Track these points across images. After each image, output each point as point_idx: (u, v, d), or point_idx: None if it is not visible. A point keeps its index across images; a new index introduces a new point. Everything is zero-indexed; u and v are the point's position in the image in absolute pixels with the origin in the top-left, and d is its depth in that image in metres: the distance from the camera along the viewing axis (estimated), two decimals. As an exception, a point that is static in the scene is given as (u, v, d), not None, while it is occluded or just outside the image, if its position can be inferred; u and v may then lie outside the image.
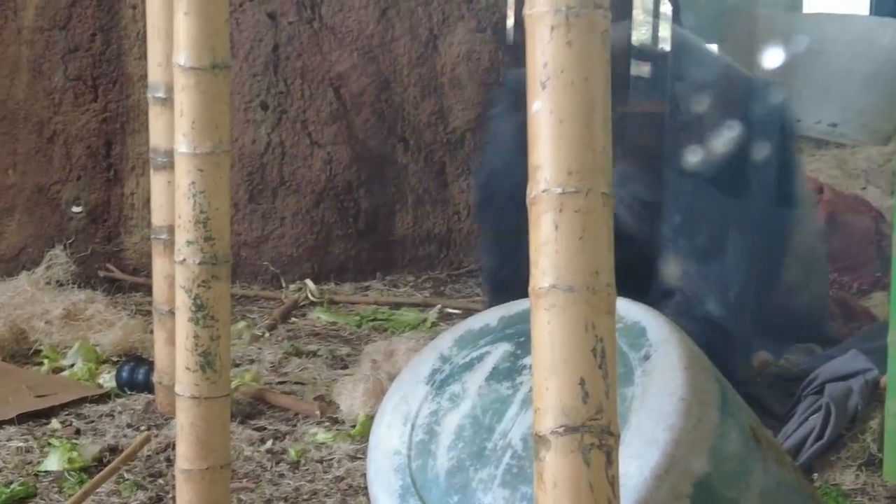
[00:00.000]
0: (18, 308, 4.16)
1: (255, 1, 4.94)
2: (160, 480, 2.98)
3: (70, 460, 3.06)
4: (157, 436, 3.21)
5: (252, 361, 3.94)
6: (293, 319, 4.52)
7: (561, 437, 1.83)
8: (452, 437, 2.22)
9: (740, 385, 2.74)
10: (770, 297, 3.18)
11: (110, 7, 4.83)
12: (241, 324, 4.35)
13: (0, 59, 4.77)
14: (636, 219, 3.15)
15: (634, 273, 2.98)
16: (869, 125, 6.65)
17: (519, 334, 2.32)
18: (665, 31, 7.15)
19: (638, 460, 2.03)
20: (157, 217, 3.38)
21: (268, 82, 4.97)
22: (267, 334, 4.27)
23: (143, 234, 4.77)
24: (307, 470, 3.04)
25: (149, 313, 3.70)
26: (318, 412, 3.40)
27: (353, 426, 3.27)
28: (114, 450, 3.14)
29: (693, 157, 3.19)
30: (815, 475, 2.90)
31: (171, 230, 2.77)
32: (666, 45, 4.86)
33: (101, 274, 4.83)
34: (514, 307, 2.40)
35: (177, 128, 2.34)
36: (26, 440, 3.21)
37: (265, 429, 3.31)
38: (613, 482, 1.84)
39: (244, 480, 2.98)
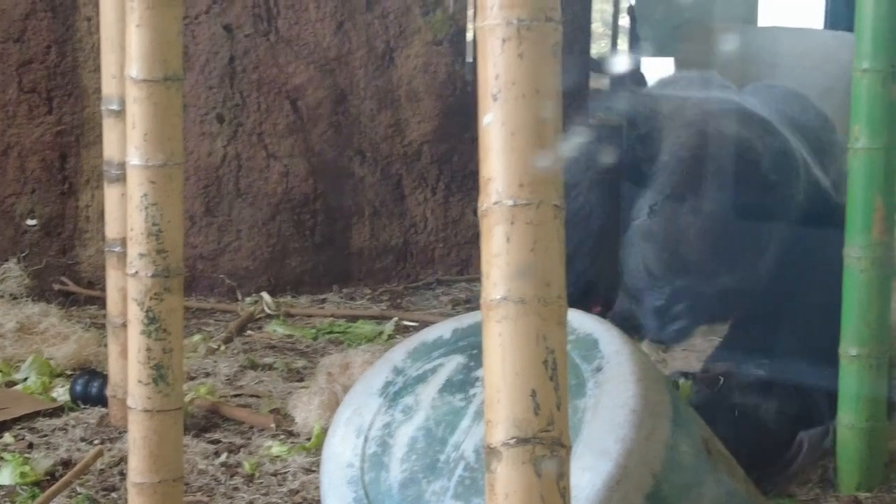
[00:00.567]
0: (-29, 322, 4.14)
1: (211, 13, 4.93)
2: (113, 494, 2.96)
3: (22, 474, 3.04)
4: (110, 449, 3.20)
5: (207, 374, 3.92)
6: (249, 332, 4.50)
7: (512, 449, 1.84)
8: (405, 450, 2.22)
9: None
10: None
11: (65, 19, 4.81)
12: (197, 337, 4.33)
13: (-47, 72, 4.75)
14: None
15: None
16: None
17: (472, 346, 2.32)
18: (623, 43, 7.19)
19: (590, 472, 2.03)
20: (111, 230, 3.37)
21: (224, 95, 4.97)
22: (223, 347, 4.25)
23: (97, 247, 4.74)
24: (262, 483, 3.03)
25: (103, 326, 3.68)
26: (273, 425, 3.40)
27: (309, 439, 3.26)
28: (67, 464, 3.12)
29: None
30: (770, 488, 2.91)
31: (125, 243, 2.75)
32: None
33: (56, 287, 4.81)
34: (467, 319, 2.41)
35: (129, 140, 2.34)
36: (-22, 454, 3.19)
37: (220, 442, 3.30)
38: (565, 493, 1.84)
39: (198, 494, 2.97)
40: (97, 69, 4.00)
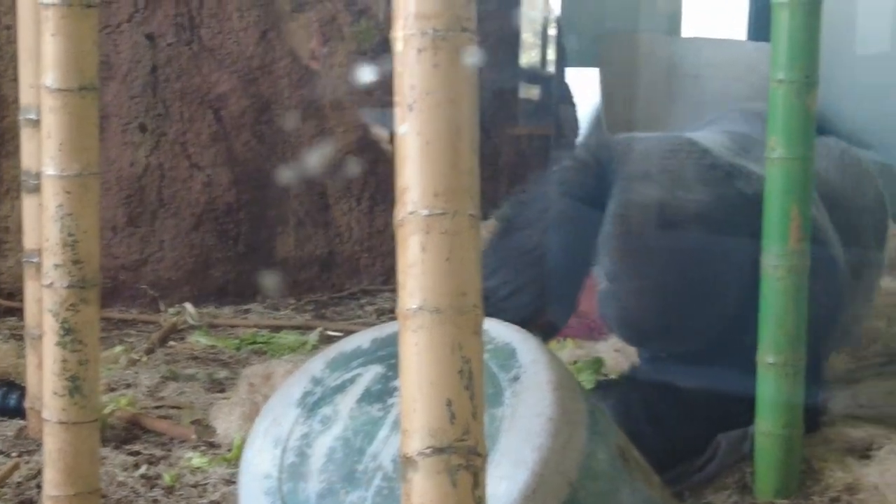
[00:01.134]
0: None
1: (133, 22, 4.90)
2: (31, 507, 2.93)
3: (-62, 488, 3.00)
4: (28, 462, 3.16)
5: (128, 386, 3.89)
6: (172, 343, 4.48)
7: (428, 459, 1.84)
8: (324, 460, 2.21)
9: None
10: None
11: (-16, 28, 4.77)
12: (119, 348, 4.30)
13: None
14: None
15: None
16: (748, 148, 6.76)
17: (391, 356, 2.31)
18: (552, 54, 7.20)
19: (507, 481, 2.03)
20: (29, 240, 3.33)
21: (146, 104, 4.94)
22: (144, 358, 4.22)
23: (17, 258, 4.69)
24: (181, 495, 3.01)
25: (23, 338, 3.64)
26: (193, 436, 3.37)
27: (230, 450, 3.24)
28: (-16, 477, 3.08)
29: None
30: (687, 494, 2.93)
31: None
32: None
33: (-24, 298, 4.76)
34: (387, 329, 2.40)
35: (44, 150, 2.31)
36: None
37: (140, 454, 3.27)
38: (481, 503, 1.84)
39: (117, 506, 2.95)
40: (17, 78, 3.96)
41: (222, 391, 3.83)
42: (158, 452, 3.29)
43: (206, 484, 3.06)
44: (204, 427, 3.44)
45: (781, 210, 2.85)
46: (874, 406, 3.42)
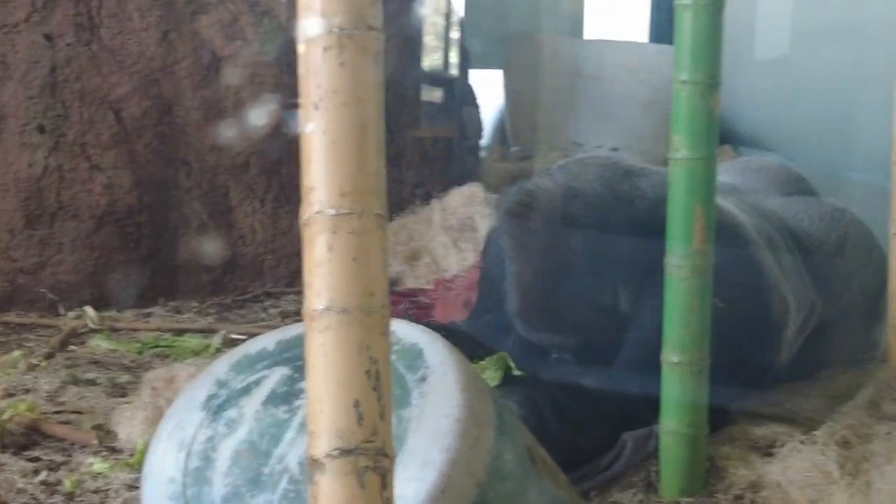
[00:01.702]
0: None
1: (31, 22, 4.82)
2: (-71, 516, 2.87)
3: None
4: (-76, 470, 3.09)
5: (28, 391, 3.82)
6: (72, 347, 4.41)
7: (335, 460, 1.82)
8: (229, 464, 2.18)
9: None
10: None
11: None
12: (17, 352, 4.22)
13: None
14: None
15: None
16: (649, 150, 6.80)
17: (296, 358, 2.29)
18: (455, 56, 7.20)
19: (415, 482, 2.02)
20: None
21: (45, 105, 4.86)
22: (44, 363, 4.15)
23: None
24: (83, 501, 2.96)
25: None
26: (95, 441, 3.32)
27: (132, 455, 3.20)
28: None
29: None
30: (593, 493, 2.94)
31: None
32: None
33: None
34: (292, 331, 2.38)
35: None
36: None
37: (40, 459, 3.21)
38: (388, 504, 1.83)
39: (16, 514, 2.89)
40: None
41: (124, 395, 3.77)
42: (59, 458, 3.23)
43: (107, 490, 3.01)
44: (105, 432, 3.39)
45: (685, 210, 2.86)
46: (780, 404, 3.45)
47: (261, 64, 5.17)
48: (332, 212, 1.85)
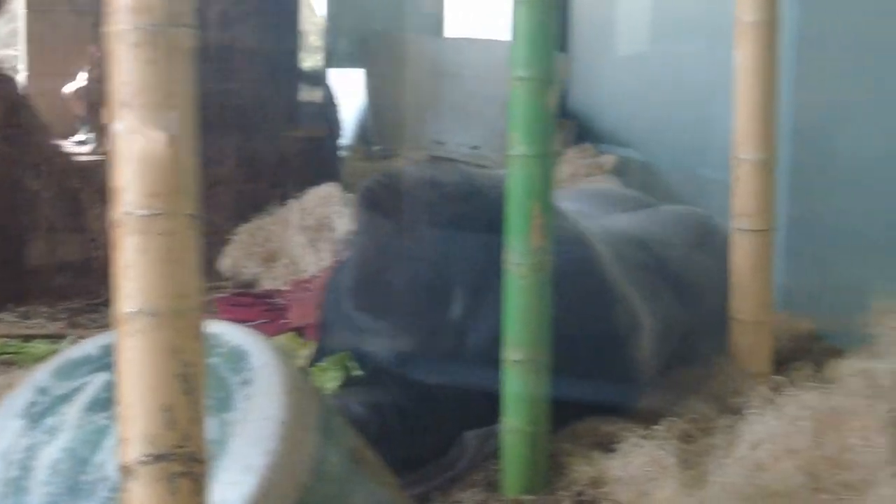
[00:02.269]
0: None
1: None
2: None
3: None
4: None
5: None
6: (-85, 355, 4.29)
7: (146, 467, 1.79)
8: (48, 472, 2.13)
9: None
10: None
11: None
12: None
13: None
14: None
15: None
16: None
17: (120, 362, 2.24)
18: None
19: (237, 487, 1.99)
20: None
21: None
22: None
23: None
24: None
25: None
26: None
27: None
28: None
29: None
30: (435, 493, 2.92)
31: None
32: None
33: None
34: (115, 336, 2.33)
35: None
36: None
37: None
38: (202, 510, 1.80)
39: None
40: None
41: (-37, 404, 3.67)
42: None
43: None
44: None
45: (523, 208, 2.86)
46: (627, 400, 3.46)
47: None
48: (142, 212, 1.82)
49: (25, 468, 2.14)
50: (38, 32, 6.30)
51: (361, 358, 3.17)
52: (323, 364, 3.15)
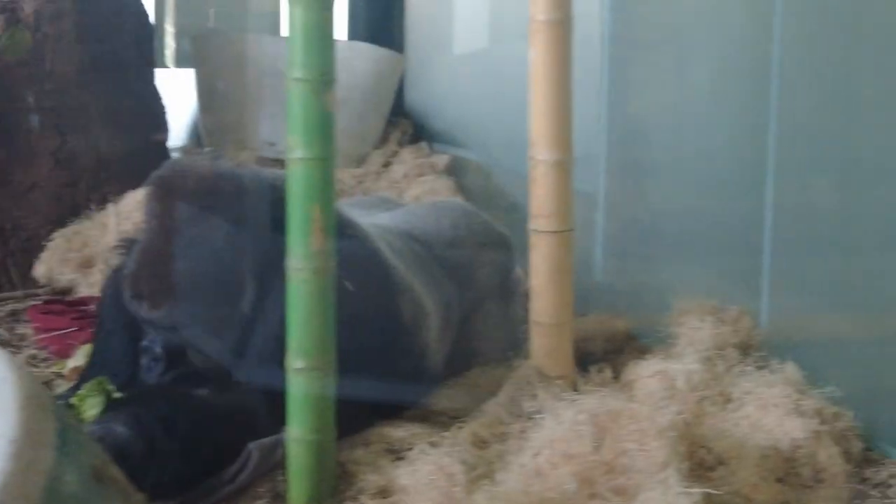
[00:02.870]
0: None
1: None
2: None
3: None
4: None
5: None
6: None
7: None
8: None
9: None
10: None
11: None
12: None
13: None
14: None
15: None
16: (341, 149, 6.73)
17: None
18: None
19: (-37, 509, 1.89)
20: None
21: None
22: None
23: None
24: None
25: None
26: None
27: None
28: None
29: None
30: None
31: None
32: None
33: None
34: None
35: None
36: None
37: None
38: None
39: None
40: None
41: None
42: None
43: None
44: None
45: (303, 212, 2.79)
46: (422, 404, 3.42)
47: None
48: None
49: None
50: None
51: (126, 377, 3.11)
52: (81, 392, 3.06)
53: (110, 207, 5.30)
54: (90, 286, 5.01)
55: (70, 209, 5.34)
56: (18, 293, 5.09)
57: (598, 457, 2.62)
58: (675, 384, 3.28)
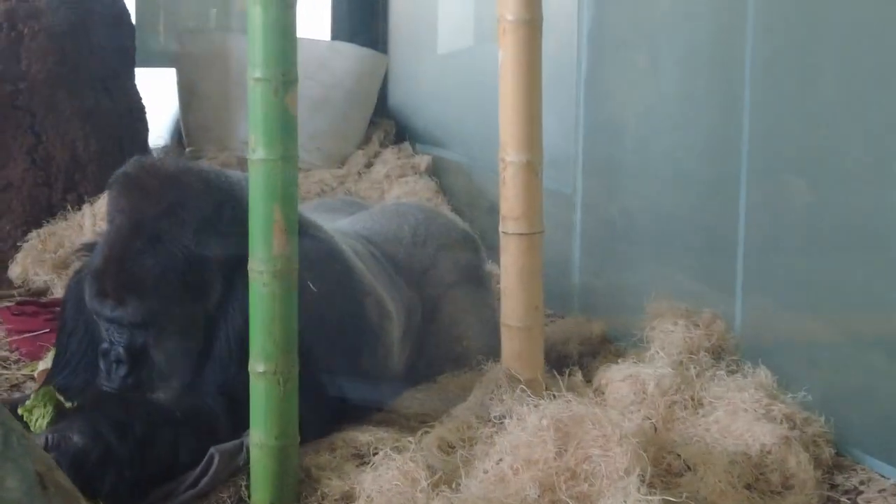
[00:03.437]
0: None
1: None
2: None
3: None
4: None
5: None
6: None
7: None
8: None
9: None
10: None
11: None
12: None
13: None
14: None
15: None
16: (324, 149, 6.70)
17: None
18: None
19: None
20: None
21: None
22: None
23: None
24: None
25: None
26: None
27: None
28: None
29: None
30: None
31: None
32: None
33: None
34: None
35: None
36: None
37: None
38: None
39: None
40: None
41: None
42: None
43: None
44: None
45: (264, 213, 2.75)
46: (390, 408, 3.39)
47: None
48: None
49: None
50: None
51: (86, 379, 3.07)
52: (28, 403, 3.01)
53: (86, 208, 5.26)
54: (65, 287, 4.97)
55: (45, 209, 5.29)
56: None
57: (560, 462, 2.58)
58: (645, 388, 3.25)
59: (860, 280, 3.26)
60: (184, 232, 3.08)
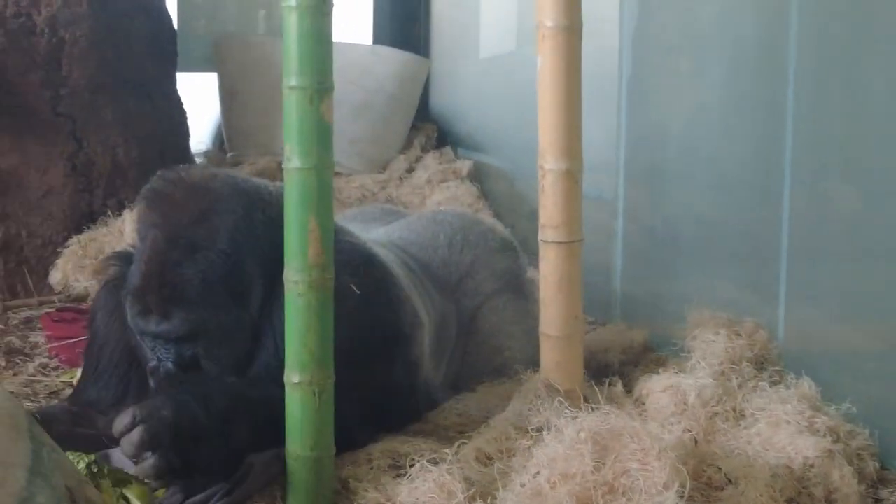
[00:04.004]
0: None
1: None
2: None
3: None
4: None
5: None
6: None
7: None
8: None
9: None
10: None
11: None
12: None
13: None
14: None
15: None
16: (365, 154, 6.69)
17: None
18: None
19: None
20: None
21: None
22: None
23: None
24: None
25: None
26: None
27: None
28: None
29: None
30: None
31: None
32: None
33: None
34: None
35: None
36: None
37: None
38: None
39: None
40: None
41: None
42: None
43: None
44: None
45: (299, 223, 2.73)
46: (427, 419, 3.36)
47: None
48: None
49: None
50: None
51: (117, 391, 3.06)
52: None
53: (126, 214, 5.26)
54: (106, 294, 4.97)
55: (86, 215, 5.31)
56: (33, 300, 5.05)
57: (598, 476, 2.54)
58: (686, 399, 3.21)
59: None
60: (219, 237, 3.07)
